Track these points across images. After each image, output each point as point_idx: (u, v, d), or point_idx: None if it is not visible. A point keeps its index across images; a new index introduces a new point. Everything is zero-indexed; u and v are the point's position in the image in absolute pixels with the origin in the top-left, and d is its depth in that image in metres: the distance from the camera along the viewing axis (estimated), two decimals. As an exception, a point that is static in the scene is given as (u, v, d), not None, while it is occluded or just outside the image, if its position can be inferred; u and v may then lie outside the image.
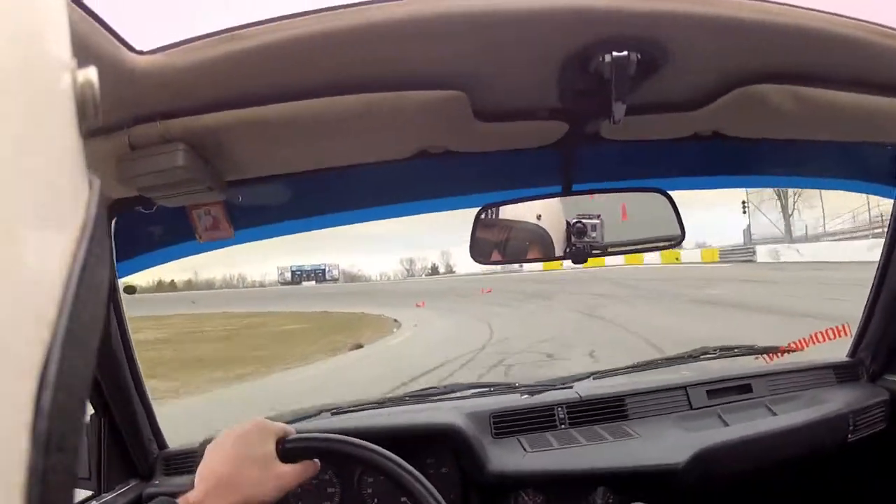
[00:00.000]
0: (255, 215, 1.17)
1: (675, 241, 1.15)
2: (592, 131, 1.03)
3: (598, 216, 1.12)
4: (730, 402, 1.39)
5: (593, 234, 1.11)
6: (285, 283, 62.01)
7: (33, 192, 0.18)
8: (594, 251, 1.13)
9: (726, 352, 1.53)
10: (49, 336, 0.18)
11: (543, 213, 1.12)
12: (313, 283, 60.19)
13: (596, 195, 1.12)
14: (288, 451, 0.82)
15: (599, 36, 0.72)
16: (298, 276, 62.51)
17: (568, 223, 1.11)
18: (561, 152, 1.08)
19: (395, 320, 15.34)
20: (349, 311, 19.27)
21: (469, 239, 1.06)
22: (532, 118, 0.95)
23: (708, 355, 1.52)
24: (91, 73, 0.22)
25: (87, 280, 0.20)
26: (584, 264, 1.16)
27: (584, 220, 1.11)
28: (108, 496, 1.24)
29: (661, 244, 1.17)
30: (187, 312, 23.66)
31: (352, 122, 0.86)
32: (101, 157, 0.87)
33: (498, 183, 1.20)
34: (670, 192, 1.12)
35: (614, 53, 0.73)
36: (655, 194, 1.13)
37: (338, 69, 0.76)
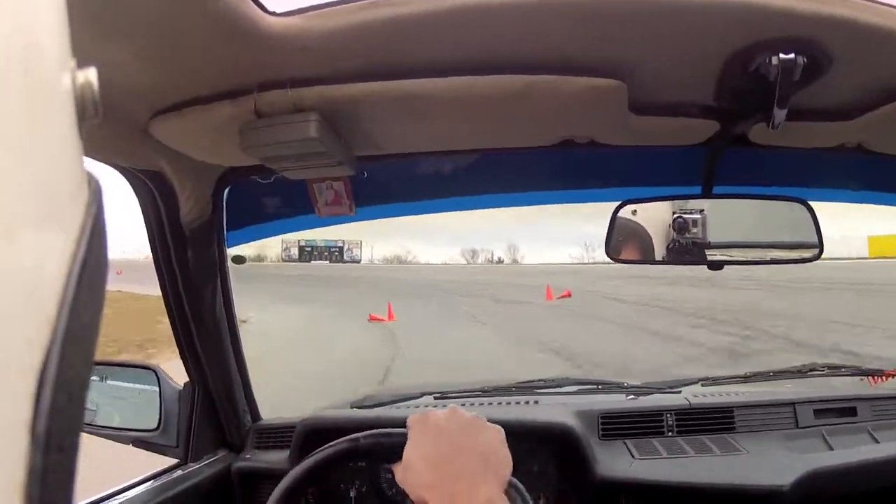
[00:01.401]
0: (377, 193, 1.13)
1: (812, 256, 1.08)
2: (740, 133, 0.97)
3: (702, 210, 1.06)
4: (834, 424, 1.33)
5: (695, 230, 1.06)
6: (290, 259, 58.48)
7: (33, 191, 0.18)
8: (706, 252, 1.07)
9: (835, 370, 1.46)
10: (49, 336, 0.18)
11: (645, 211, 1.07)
12: (326, 262, 58.24)
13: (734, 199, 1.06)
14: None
15: (768, 35, 0.68)
16: (308, 252, 60.22)
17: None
18: (707, 152, 1.02)
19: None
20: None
21: (605, 233, 1.01)
22: (684, 115, 0.90)
23: (816, 372, 1.46)
24: (91, 74, 0.22)
25: (87, 280, 0.20)
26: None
27: (684, 215, 1.06)
28: (195, 465, 1.23)
29: (795, 257, 1.10)
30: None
31: (502, 103, 0.81)
32: (223, 121, 0.83)
33: (637, 179, 1.14)
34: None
35: (781, 55, 0.69)
36: (795, 204, 1.07)
37: (495, 46, 0.71)
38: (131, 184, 1.09)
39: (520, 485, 0.81)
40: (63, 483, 0.18)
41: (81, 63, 0.67)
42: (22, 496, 0.16)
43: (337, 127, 0.86)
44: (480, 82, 0.75)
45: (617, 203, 1.03)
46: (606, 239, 1.02)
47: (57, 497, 0.18)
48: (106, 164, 1.02)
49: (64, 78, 0.20)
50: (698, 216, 1.06)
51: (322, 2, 0.70)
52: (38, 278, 0.18)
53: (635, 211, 1.07)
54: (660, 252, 1.08)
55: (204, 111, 0.82)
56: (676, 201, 1.06)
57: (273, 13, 0.67)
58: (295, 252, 60.25)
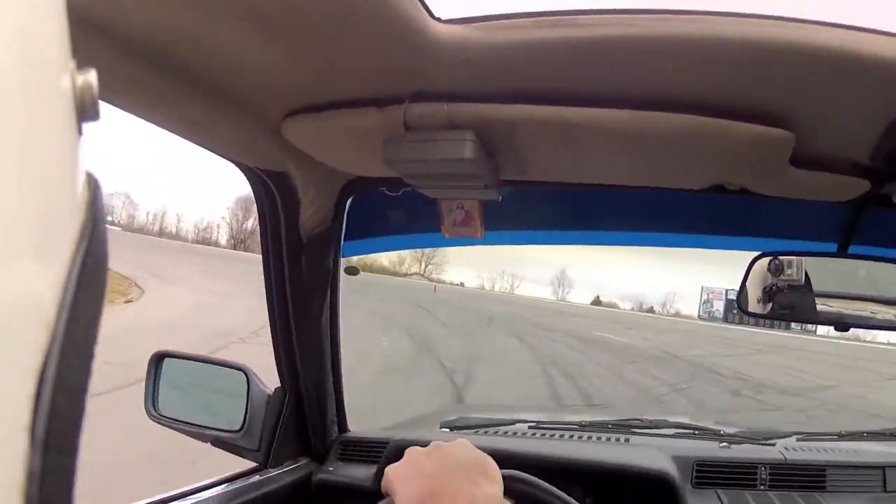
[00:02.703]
0: (507, 217, 1.10)
1: None
2: (886, 194, 0.95)
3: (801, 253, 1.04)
4: None
5: (789, 271, 1.03)
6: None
7: (32, 193, 0.17)
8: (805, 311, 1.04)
9: None
10: (48, 337, 0.18)
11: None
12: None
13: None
14: (517, 490, 0.76)
15: None
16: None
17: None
18: (850, 211, 0.99)
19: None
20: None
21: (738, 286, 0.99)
22: (838, 171, 0.88)
23: None
24: (91, 75, 0.21)
25: (87, 282, 0.20)
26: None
27: (780, 258, 1.04)
28: (275, 471, 1.20)
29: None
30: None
31: (664, 142, 0.79)
32: (364, 129, 0.81)
33: (775, 230, 1.12)
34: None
35: None
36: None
37: (670, 82, 0.69)
38: (252, 185, 1.07)
39: (524, 475, 0.78)
40: (63, 485, 0.18)
41: (222, 55, 0.64)
42: (21, 498, 0.16)
43: (489, 149, 0.84)
44: (647, 118, 0.73)
45: (755, 254, 1.00)
46: (739, 289, 1.00)
47: (57, 499, 0.18)
48: (231, 161, 0.99)
49: (64, 79, 0.20)
50: (794, 258, 1.03)
51: (494, 13, 0.67)
52: (37, 280, 0.18)
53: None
54: (755, 297, 1.05)
55: (346, 116, 0.79)
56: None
57: (440, 19, 0.65)
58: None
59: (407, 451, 0.68)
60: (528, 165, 0.92)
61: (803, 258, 1.04)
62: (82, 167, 0.22)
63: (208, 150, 0.93)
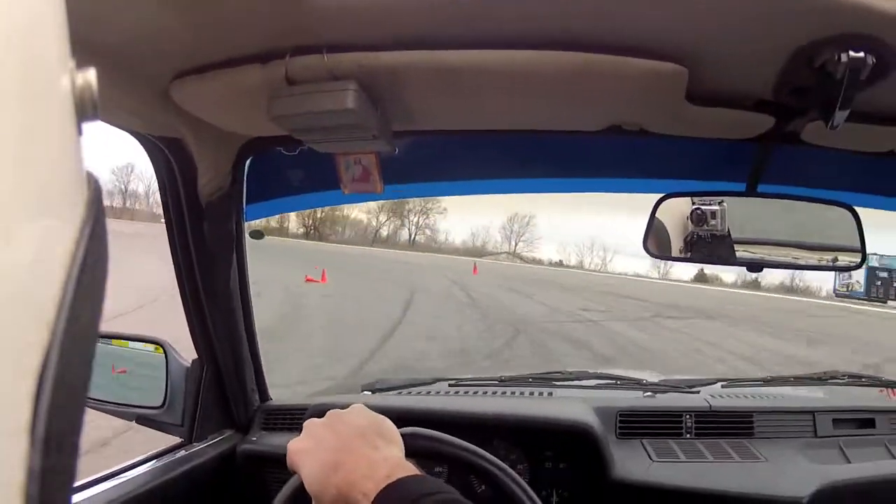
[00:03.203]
0: (405, 171, 1.08)
1: (854, 264, 1.04)
2: (792, 131, 0.93)
3: (721, 202, 1.02)
4: (852, 436, 1.31)
5: (713, 222, 1.02)
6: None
7: (32, 192, 0.18)
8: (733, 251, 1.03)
9: (855, 379, 1.45)
10: (48, 336, 0.18)
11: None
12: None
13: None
14: (416, 447, 0.74)
15: (840, 30, 0.63)
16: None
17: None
18: (756, 149, 0.97)
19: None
20: None
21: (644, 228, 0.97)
22: (740, 107, 0.86)
23: (836, 380, 1.44)
24: (90, 75, 0.21)
25: (87, 280, 0.20)
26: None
27: (702, 207, 1.02)
28: (199, 445, 1.19)
29: (835, 263, 1.06)
30: None
31: (555, 82, 0.76)
32: (250, 87, 0.78)
33: (681, 172, 1.10)
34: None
35: (851, 53, 0.64)
36: (840, 209, 1.02)
37: (556, 20, 0.66)
38: (148, 152, 1.03)
39: (421, 430, 0.76)
40: (63, 484, 0.18)
41: (104, 19, 0.61)
42: (21, 497, 0.16)
43: (374, 98, 0.81)
44: (535, 58, 0.70)
45: (658, 196, 0.98)
46: (645, 233, 0.98)
47: (56, 497, 0.18)
48: (122, 129, 0.96)
49: (63, 79, 0.20)
50: (717, 207, 1.01)
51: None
52: (37, 279, 0.18)
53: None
54: (677, 246, 1.04)
55: (230, 74, 0.77)
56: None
57: None
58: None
59: (305, 424, 0.68)
60: (418, 114, 0.89)
61: (725, 207, 1.02)
62: (82, 167, 0.22)
63: (100, 120, 0.90)
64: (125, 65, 0.75)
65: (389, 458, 0.61)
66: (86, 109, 0.22)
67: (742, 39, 0.68)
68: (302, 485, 0.63)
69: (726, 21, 0.64)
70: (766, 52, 0.70)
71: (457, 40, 0.69)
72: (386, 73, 0.75)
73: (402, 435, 0.68)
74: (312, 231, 65.25)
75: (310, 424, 0.67)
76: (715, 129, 0.92)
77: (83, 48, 0.69)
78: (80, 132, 0.21)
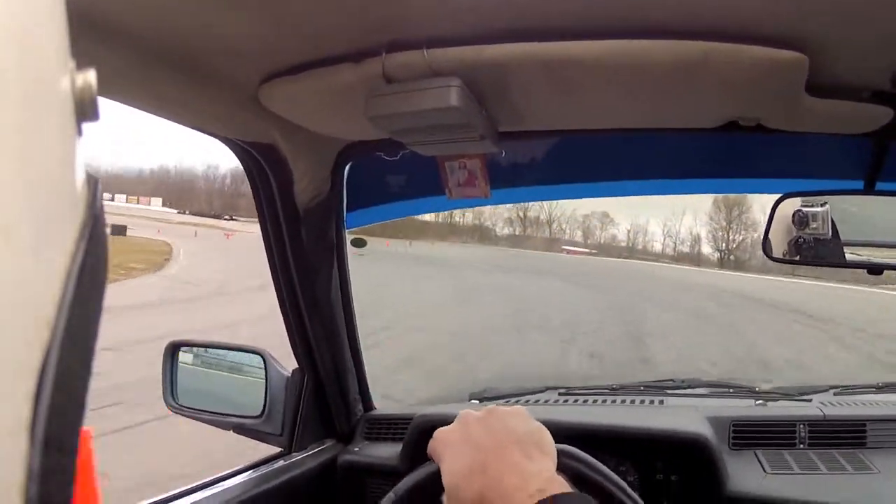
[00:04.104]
0: (514, 174, 1.03)
1: None
2: None
3: (823, 204, 0.95)
4: None
5: (814, 225, 0.96)
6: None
7: (32, 192, 0.17)
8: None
9: None
10: (48, 336, 0.18)
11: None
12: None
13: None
14: (567, 467, 0.70)
15: None
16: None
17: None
18: (874, 144, 0.89)
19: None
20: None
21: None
22: (858, 100, 0.79)
23: None
24: (90, 76, 0.21)
25: (87, 280, 0.20)
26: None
27: (803, 209, 0.96)
28: (299, 455, 1.18)
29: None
30: None
31: (668, 74, 0.71)
32: (345, 87, 0.75)
33: (796, 170, 1.04)
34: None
35: None
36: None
37: (667, 4, 0.61)
38: (241, 160, 1.02)
39: (577, 451, 0.73)
40: (63, 484, 0.18)
41: (179, 23, 0.59)
42: (21, 497, 0.16)
43: (479, 96, 0.77)
44: (648, 47, 0.65)
45: (777, 196, 0.93)
46: (764, 235, 0.94)
47: (57, 497, 0.18)
48: (213, 136, 0.95)
49: (63, 79, 0.20)
50: (819, 209, 0.95)
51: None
52: (37, 279, 0.18)
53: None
54: (780, 249, 0.98)
55: (322, 75, 0.74)
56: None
57: None
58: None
59: (460, 413, 0.64)
60: (524, 112, 0.85)
61: (828, 209, 0.96)
62: (82, 167, 0.22)
63: (189, 126, 0.89)
64: (210, 70, 0.74)
65: (543, 472, 0.57)
66: (86, 110, 0.21)
67: (864, 22, 0.63)
68: (436, 475, 0.60)
69: (846, 7, 0.59)
70: (887, 37, 0.65)
71: (564, 30, 0.65)
72: (490, 68, 0.70)
73: (558, 451, 0.64)
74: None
75: (465, 415, 0.63)
76: (833, 124, 0.87)
77: (164, 58, 0.69)
78: (80, 132, 0.21)
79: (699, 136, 0.91)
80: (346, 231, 1.09)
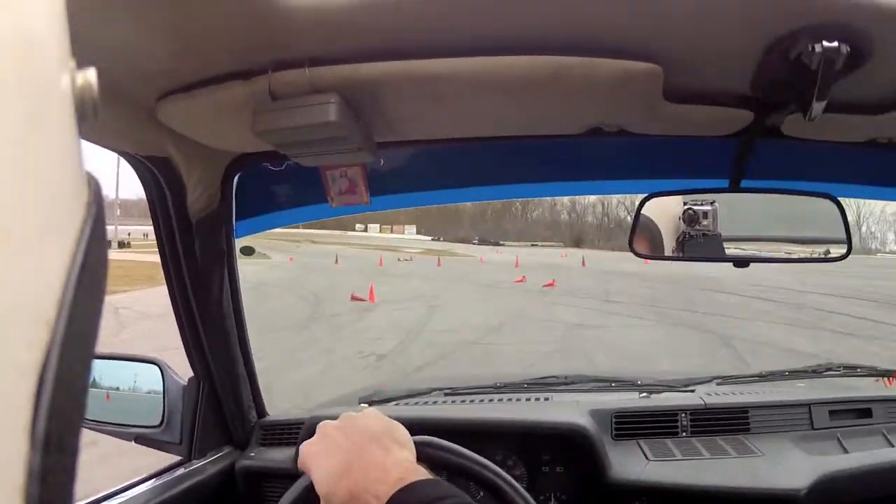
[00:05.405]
0: (392, 181, 1.09)
1: (841, 255, 1.05)
2: (773, 125, 0.94)
3: (713, 202, 1.02)
4: (849, 426, 1.31)
5: (705, 222, 1.02)
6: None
7: (32, 192, 0.18)
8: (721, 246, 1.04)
9: (850, 370, 1.44)
10: (48, 337, 0.18)
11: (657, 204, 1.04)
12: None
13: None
14: (428, 456, 0.74)
15: (813, 20, 0.63)
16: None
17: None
18: (738, 144, 0.98)
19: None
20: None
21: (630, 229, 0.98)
22: (719, 104, 0.86)
23: (832, 372, 1.44)
24: (90, 75, 0.22)
25: (87, 280, 0.20)
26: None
27: (694, 207, 1.02)
28: (198, 463, 1.19)
29: (823, 255, 1.07)
30: None
31: (531, 86, 0.77)
32: (234, 104, 0.79)
33: (664, 171, 1.11)
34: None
35: (825, 43, 0.64)
36: (823, 200, 1.03)
37: (527, 25, 0.67)
38: (137, 171, 1.05)
39: (433, 439, 0.77)
40: (63, 484, 0.18)
41: (87, 43, 0.62)
42: (21, 496, 0.16)
43: (356, 110, 0.82)
44: (509, 63, 0.71)
45: (642, 196, 0.99)
46: (630, 233, 0.99)
47: (57, 498, 0.18)
48: (111, 150, 0.97)
49: (63, 78, 0.20)
50: (709, 207, 1.02)
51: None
52: (37, 279, 0.18)
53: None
54: (669, 245, 1.05)
55: (214, 92, 0.78)
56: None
57: None
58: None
59: (319, 426, 0.68)
60: (400, 124, 0.90)
61: (715, 206, 1.02)
62: (82, 167, 0.22)
63: (89, 141, 0.91)
64: (110, 87, 0.77)
65: (402, 462, 0.62)
66: (86, 109, 0.22)
67: (714, 35, 0.68)
68: (311, 486, 0.64)
69: (697, 18, 0.65)
70: (740, 47, 0.70)
71: (434, 49, 0.70)
72: (367, 85, 0.75)
73: (415, 443, 0.69)
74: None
75: (323, 427, 0.67)
76: (696, 127, 0.93)
77: None
78: (80, 132, 0.22)
79: (567, 141, 0.96)
80: (236, 239, 1.12)
